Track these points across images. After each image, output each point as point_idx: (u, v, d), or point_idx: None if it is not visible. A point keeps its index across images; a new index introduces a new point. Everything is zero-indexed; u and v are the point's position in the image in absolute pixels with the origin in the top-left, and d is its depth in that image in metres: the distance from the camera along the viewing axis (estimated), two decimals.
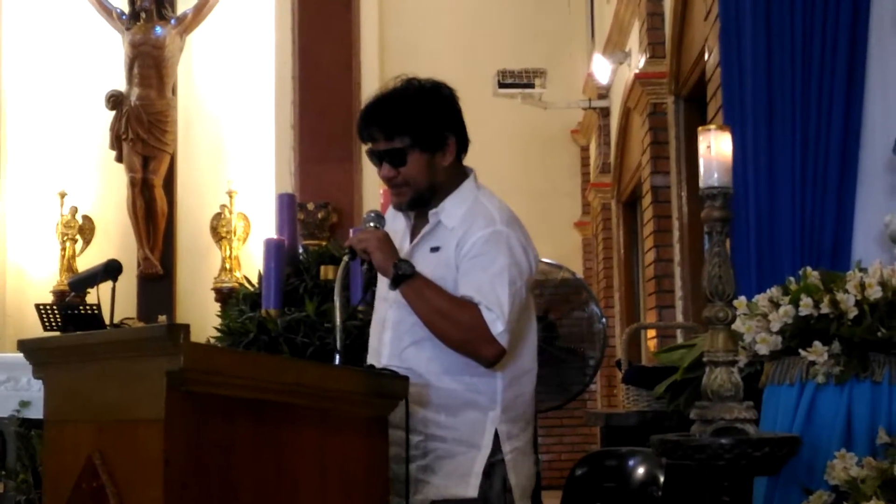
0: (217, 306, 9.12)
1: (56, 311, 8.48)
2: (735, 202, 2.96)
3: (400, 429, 2.56)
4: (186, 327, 2.18)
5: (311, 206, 9.73)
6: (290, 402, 2.33)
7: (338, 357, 2.67)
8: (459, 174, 2.81)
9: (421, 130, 2.72)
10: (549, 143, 10.72)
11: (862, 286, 2.78)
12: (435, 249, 2.74)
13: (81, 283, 6.16)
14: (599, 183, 9.72)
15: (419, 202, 2.78)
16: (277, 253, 4.51)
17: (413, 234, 2.81)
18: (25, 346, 2.61)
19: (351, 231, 3.22)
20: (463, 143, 2.80)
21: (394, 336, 2.75)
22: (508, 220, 2.74)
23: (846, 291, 2.78)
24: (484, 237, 2.68)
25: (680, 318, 6.21)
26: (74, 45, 10.71)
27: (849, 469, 2.65)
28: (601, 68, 8.89)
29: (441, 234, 2.75)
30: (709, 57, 4.64)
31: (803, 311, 2.81)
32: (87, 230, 10.66)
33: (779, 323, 2.85)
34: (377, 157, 2.76)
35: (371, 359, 2.78)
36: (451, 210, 2.75)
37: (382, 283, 2.78)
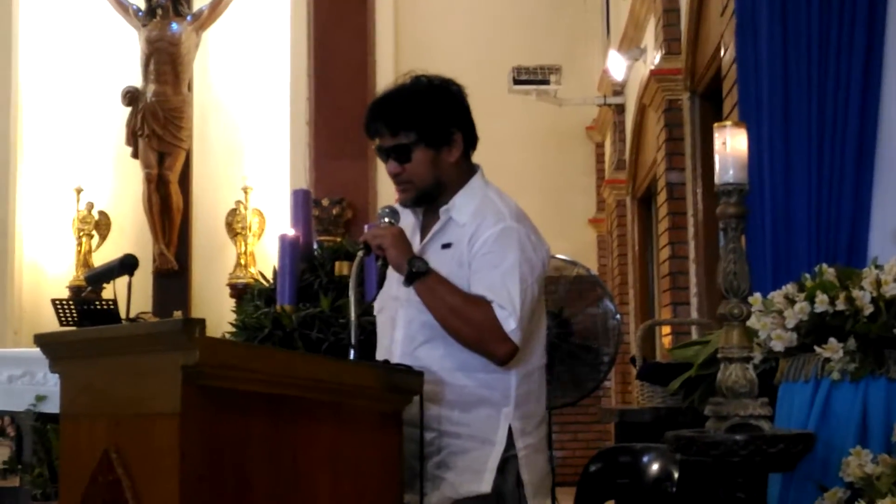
0: (232, 302, 9.15)
1: (72, 307, 8.51)
2: (750, 199, 2.96)
3: (414, 426, 2.57)
4: (202, 322, 2.19)
5: (325, 202, 9.75)
6: (305, 397, 2.34)
7: (352, 352, 2.67)
8: (467, 171, 2.81)
9: (426, 126, 2.72)
10: (563, 139, 10.71)
11: (878, 283, 2.77)
12: (447, 246, 2.74)
13: (98, 278, 6.18)
14: (614, 179, 9.71)
15: (423, 199, 2.78)
16: (292, 249, 4.52)
17: (423, 231, 2.81)
18: (42, 340, 2.62)
19: (366, 227, 3.22)
20: (471, 140, 2.80)
21: (405, 335, 2.74)
22: (518, 216, 2.74)
23: (862, 288, 2.78)
24: (495, 234, 2.68)
25: (695, 314, 6.21)
26: (91, 42, 10.74)
27: (864, 466, 2.65)
28: (616, 65, 8.87)
29: (452, 230, 2.75)
30: (724, 53, 4.63)
31: (819, 308, 2.80)
32: (102, 226, 10.70)
33: (794, 319, 2.85)
34: (384, 154, 2.77)
35: (380, 357, 2.78)
36: (462, 206, 2.75)
37: (391, 281, 2.78)
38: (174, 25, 10.55)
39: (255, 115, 10.57)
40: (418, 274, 2.64)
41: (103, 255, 10.04)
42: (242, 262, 10.27)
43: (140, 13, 10.66)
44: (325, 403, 2.38)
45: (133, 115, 10.50)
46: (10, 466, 6.28)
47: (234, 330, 4.69)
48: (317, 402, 2.36)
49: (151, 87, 10.47)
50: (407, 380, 2.53)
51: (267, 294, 4.68)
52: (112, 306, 6.93)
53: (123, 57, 10.71)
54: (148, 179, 10.46)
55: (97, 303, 7.86)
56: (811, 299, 2.83)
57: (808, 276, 2.94)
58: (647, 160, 7.99)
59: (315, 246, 4.90)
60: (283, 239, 4.57)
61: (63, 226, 10.57)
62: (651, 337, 7.22)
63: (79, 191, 10.47)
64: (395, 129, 2.72)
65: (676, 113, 6.69)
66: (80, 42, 10.73)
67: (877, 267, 2.85)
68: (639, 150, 8.67)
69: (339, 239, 6.46)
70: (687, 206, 6.46)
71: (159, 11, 10.53)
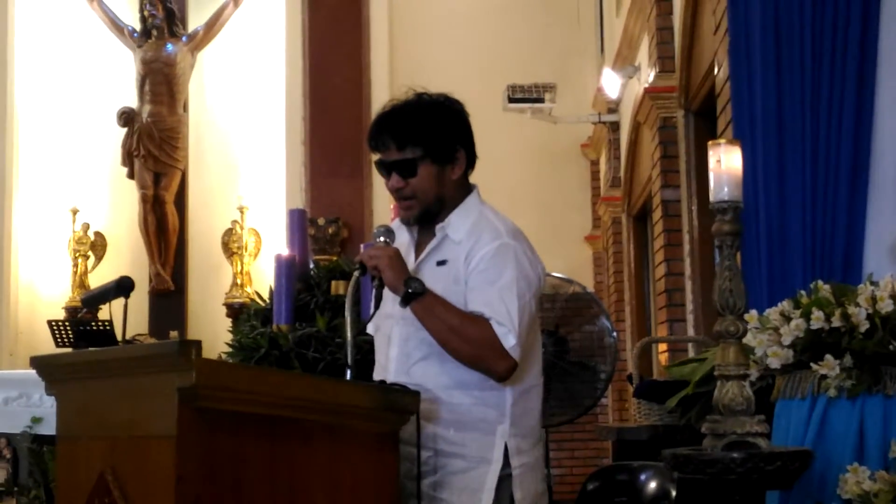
0: (228, 322, 9.14)
1: (68, 328, 8.50)
2: (745, 216, 2.96)
3: (410, 445, 2.56)
4: (198, 343, 2.19)
5: (321, 222, 9.76)
6: (302, 418, 2.34)
7: (349, 372, 2.67)
8: (465, 189, 2.82)
9: (433, 142, 2.73)
10: (559, 157, 10.73)
11: (873, 299, 2.78)
12: (442, 263, 2.74)
13: (94, 299, 6.17)
14: (609, 197, 9.72)
15: (427, 216, 2.78)
16: (288, 268, 4.51)
17: (418, 249, 2.81)
18: (38, 362, 2.61)
19: (361, 246, 3.22)
20: (471, 159, 2.81)
21: (401, 352, 2.74)
22: (514, 233, 2.75)
23: (857, 305, 2.78)
24: (491, 251, 2.69)
25: (691, 331, 6.20)
26: (86, 63, 10.76)
27: (861, 483, 2.65)
28: (611, 83, 8.89)
29: (448, 247, 2.75)
30: (718, 71, 4.64)
31: (815, 325, 2.81)
32: (99, 246, 10.69)
33: (790, 336, 2.85)
34: (386, 168, 2.76)
35: (378, 375, 2.78)
36: (457, 224, 2.76)
37: (387, 300, 2.78)
38: (169, 46, 10.57)
39: (251, 135, 10.58)
40: (415, 294, 2.64)
41: (99, 276, 10.03)
42: (238, 281, 10.26)
43: (135, 34, 10.69)
44: (322, 424, 2.38)
45: (128, 136, 10.51)
46: (6, 489, 6.27)
47: (230, 350, 4.69)
48: (313, 423, 2.36)
49: (147, 108, 10.49)
50: (403, 400, 2.52)
51: (263, 314, 4.68)
52: (108, 327, 6.93)
53: (119, 78, 10.73)
54: (144, 200, 10.46)
55: (93, 324, 7.85)
56: (807, 316, 2.83)
57: (803, 292, 2.94)
58: (642, 177, 8.00)
59: (311, 265, 4.90)
60: (278, 258, 4.57)
61: (59, 247, 10.56)
62: (647, 354, 7.20)
63: (74, 212, 10.47)
64: (402, 143, 2.73)
65: (671, 130, 6.70)
66: (75, 63, 10.74)
67: (872, 283, 2.86)
68: (633, 167, 8.68)
69: (334, 258, 6.46)
70: (682, 223, 6.47)
71: (154, 32, 10.55)
